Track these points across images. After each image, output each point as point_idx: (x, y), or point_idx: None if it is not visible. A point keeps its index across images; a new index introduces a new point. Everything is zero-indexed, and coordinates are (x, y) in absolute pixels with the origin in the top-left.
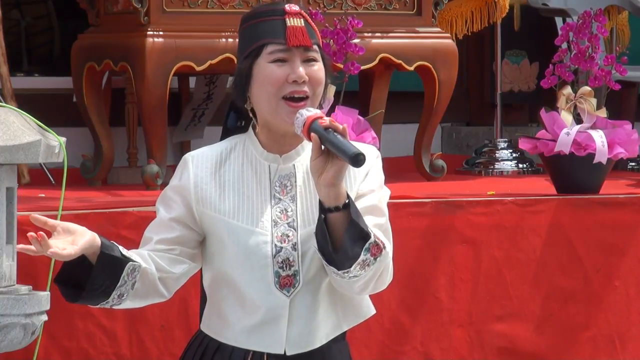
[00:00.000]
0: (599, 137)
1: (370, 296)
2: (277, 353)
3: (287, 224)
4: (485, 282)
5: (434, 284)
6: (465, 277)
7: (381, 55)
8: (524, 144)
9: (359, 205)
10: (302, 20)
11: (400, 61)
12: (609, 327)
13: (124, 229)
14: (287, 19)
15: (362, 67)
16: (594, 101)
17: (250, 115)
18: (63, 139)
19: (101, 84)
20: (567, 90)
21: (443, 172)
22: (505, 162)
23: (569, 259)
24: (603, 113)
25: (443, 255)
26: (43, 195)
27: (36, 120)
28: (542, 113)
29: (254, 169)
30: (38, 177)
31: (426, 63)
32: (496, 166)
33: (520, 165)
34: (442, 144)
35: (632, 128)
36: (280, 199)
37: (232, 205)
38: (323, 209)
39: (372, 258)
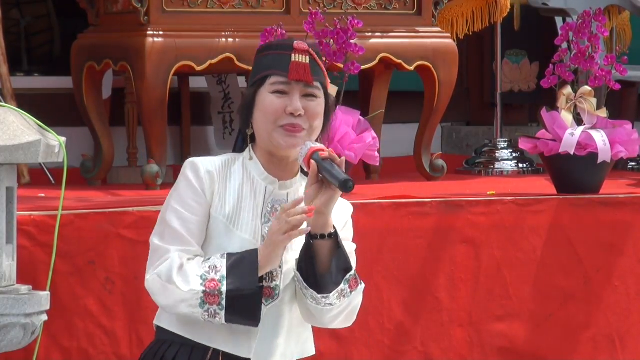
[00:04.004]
0: (599, 137)
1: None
2: (244, 357)
3: None
4: (485, 282)
5: (434, 284)
6: (465, 277)
7: (381, 55)
8: (524, 144)
9: None
10: (307, 57)
11: (400, 61)
12: (609, 327)
13: (124, 229)
14: (293, 55)
15: (362, 67)
16: (594, 101)
17: (249, 140)
18: (63, 139)
19: (101, 83)
20: (567, 90)
21: (443, 172)
22: (505, 162)
23: (569, 259)
24: (603, 113)
25: (443, 255)
26: (43, 195)
27: (36, 120)
28: (543, 112)
29: (252, 186)
30: (38, 177)
31: (426, 63)
32: (496, 166)
33: (520, 165)
34: (442, 144)
35: (632, 128)
36: (269, 219)
37: (231, 212)
38: (310, 235)
39: (349, 290)
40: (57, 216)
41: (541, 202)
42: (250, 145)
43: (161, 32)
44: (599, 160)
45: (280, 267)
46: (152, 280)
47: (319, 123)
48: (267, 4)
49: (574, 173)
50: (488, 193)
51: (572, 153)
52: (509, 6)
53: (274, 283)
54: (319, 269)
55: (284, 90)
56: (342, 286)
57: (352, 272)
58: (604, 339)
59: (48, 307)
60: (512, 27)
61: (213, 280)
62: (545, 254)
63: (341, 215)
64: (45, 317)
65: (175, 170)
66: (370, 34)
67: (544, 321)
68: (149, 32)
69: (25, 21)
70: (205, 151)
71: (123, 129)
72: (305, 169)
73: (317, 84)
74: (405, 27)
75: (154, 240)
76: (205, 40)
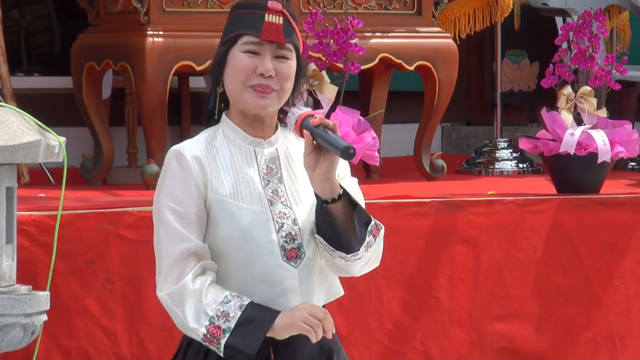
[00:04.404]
0: (599, 137)
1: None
2: None
3: (281, 202)
4: (485, 282)
5: (434, 284)
6: (465, 277)
7: (381, 55)
8: (524, 144)
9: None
10: (281, 18)
11: (400, 61)
12: (609, 327)
13: (123, 228)
14: (267, 15)
15: (362, 67)
16: (594, 101)
17: (218, 99)
18: (63, 139)
19: (101, 83)
20: (568, 90)
21: (443, 172)
22: (505, 162)
23: (569, 259)
24: (603, 113)
25: (443, 255)
26: (43, 195)
27: (36, 120)
28: (543, 112)
29: (242, 153)
30: (38, 177)
31: (426, 63)
32: (496, 166)
33: (520, 165)
34: (442, 144)
35: (632, 128)
36: (269, 181)
37: (230, 187)
38: (321, 200)
39: (373, 239)
40: (57, 216)
41: (541, 202)
42: (224, 113)
43: (161, 32)
44: (599, 160)
45: (296, 224)
46: (163, 300)
47: (289, 85)
48: None
49: (574, 173)
50: (488, 193)
51: (572, 153)
52: (511, 5)
53: (297, 242)
54: (343, 230)
55: (255, 50)
56: (367, 239)
57: (372, 222)
58: (604, 339)
59: (48, 307)
60: (512, 27)
61: (218, 327)
62: (545, 254)
63: None
64: (45, 317)
65: None
66: (370, 34)
67: (544, 321)
68: (149, 32)
69: (25, 21)
70: None
71: (123, 129)
72: (298, 136)
73: (289, 45)
74: (405, 27)
75: (157, 245)
76: (205, 40)
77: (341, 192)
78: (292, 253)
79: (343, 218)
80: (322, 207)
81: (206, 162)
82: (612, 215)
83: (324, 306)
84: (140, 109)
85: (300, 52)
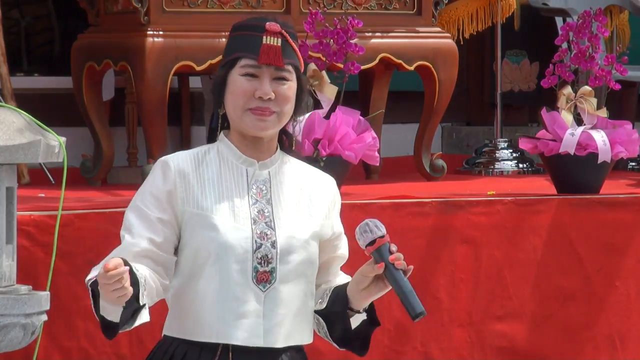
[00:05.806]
0: (599, 137)
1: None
2: (254, 346)
3: (265, 223)
4: (485, 282)
5: (434, 284)
6: (465, 277)
7: (381, 55)
8: (524, 144)
9: (337, 229)
10: (279, 40)
11: (400, 61)
12: (609, 327)
13: None
14: (265, 37)
15: (362, 67)
16: (594, 101)
17: (222, 122)
18: (63, 139)
19: (101, 83)
20: (568, 90)
21: (443, 172)
22: (505, 162)
23: (569, 259)
24: (603, 113)
25: (443, 255)
26: (43, 195)
27: (36, 120)
28: (543, 112)
29: (232, 171)
30: (38, 177)
31: (426, 63)
32: (496, 166)
33: (520, 165)
34: (442, 144)
35: (632, 128)
36: (257, 200)
37: (213, 202)
38: (349, 309)
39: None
40: (57, 216)
41: (541, 202)
42: (223, 133)
43: (161, 32)
44: (599, 160)
45: (274, 247)
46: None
47: (289, 107)
48: (267, 4)
49: (574, 173)
50: (488, 193)
51: (572, 153)
52: (514, 5)
53: (270, 266)
54: (352, 334)
55: (254, 73)
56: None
57: (379, 325)
58: (604, 339)
59: (48, 307)
60: (512, 27)
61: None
62: (545, 254)
63: (328, 194)
64: (45, 317)
65: None
66: (370, 34)
67: (544, 321)
68: (149, 32)
69: (25, 21)
70: None
71: (123, 129)
72: (367, 253)
73: (288, 67)
74: (405, 27)
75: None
76: (205, 40)
77: (367, 308)
78: (263, 276)
79: (357, 326)
80: (346, 312)
81: (191, 176)
82: (612, 215)
83: (291, 348)
84: (140, 109)
85: (301, 71)
